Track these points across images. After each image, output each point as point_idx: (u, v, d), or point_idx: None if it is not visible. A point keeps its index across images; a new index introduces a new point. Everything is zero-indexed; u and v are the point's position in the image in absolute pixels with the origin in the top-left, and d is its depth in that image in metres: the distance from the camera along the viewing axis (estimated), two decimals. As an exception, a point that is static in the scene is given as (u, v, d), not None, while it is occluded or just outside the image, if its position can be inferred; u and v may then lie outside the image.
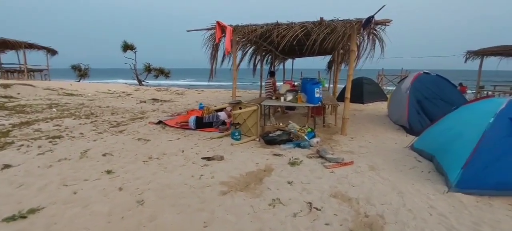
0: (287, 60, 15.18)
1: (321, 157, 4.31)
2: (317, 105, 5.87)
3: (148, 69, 26.31)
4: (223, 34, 5.51)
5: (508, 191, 2.88)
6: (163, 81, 29.54)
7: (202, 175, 3.67)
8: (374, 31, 5.19)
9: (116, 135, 5.90)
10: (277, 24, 5.32)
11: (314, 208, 2.79)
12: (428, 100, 5.88)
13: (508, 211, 2.71)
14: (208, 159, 4.30)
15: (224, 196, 3.07)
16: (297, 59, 14.86)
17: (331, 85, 16.37)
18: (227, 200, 2.99)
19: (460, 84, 18.08)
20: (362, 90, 11.99)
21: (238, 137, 5.66)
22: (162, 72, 27.90)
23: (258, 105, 5.63)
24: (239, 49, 8.52)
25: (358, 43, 6.34)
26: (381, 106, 10.84)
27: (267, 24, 5.41)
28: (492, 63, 13.97)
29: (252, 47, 9.32)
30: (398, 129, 6.46)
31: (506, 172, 2.89)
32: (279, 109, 8.86)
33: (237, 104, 6.17)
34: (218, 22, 5.50)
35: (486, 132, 3.06)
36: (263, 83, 10.23)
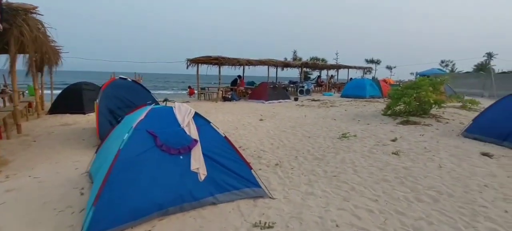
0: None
1: None
2: None
3: None
4: None
5: (144, 217, 2.54)
6: None
7: None
8: (13, 20, 3.57)
9: None
10: None
11: None
12: (122, 110, 5.31)
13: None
14: None
15: None
16: None
17: (47, 92, 12.66)
18: None
19: (189, 87, 21.06)
20: (82, 97, 9.92)
21: None
22: None
23: None
24: None
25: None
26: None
27: None
28: (204, 69, 17.34)
29: None
30: (96, 146, 5.39)
31: (141, 195, 2.55)
32: None
33: None
34: None
35: (121, 151, 2.58)
36: None
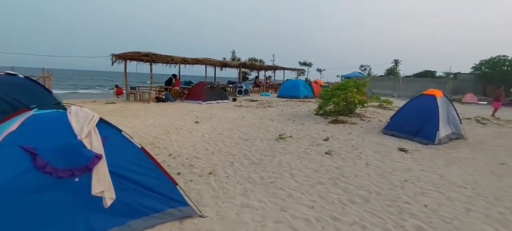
0: None
1: None
2: None
3: None
4: None
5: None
6: None
7: None
8: None
9: None
10: None
11: None
12: (7, 115, 4.06)
13: None
14: None
15: None
16: None
17: None
18: None
19: (117, 86, 18.72)
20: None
21: None
22: None
23: None
24: None
25: None
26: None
27: None
28: (134, 66, 15.57)
29: None
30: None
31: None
32: None
33: None
34: None
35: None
36: None
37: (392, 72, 48.36)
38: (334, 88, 10.04)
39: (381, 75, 46.48)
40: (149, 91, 14.08)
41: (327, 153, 5.11)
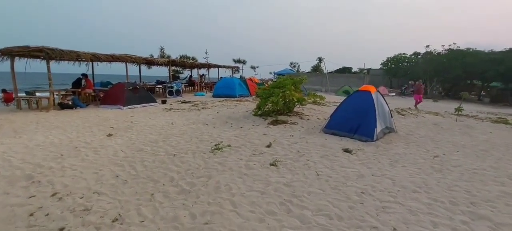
0: None
1: None
2: None
3: None
4: None
5: None
6: None
7: None
8: None
9: None
10: None
11: None
12: None
13: None
14: None
15: None
16: None
17: None
18: None
19: (4, 90, 14.50)
20: None
21: None
22: None
23: None
24: None
25: None
26: None
27: None
28: (23, 65, 12.21)
29: None
30: None
31: None
32: None
33: None
34: None
35: None
36: None
37: (317, 68, 52.35)
38: (272, 86, 9.53)
39: (309, 72, 49.79)
40: (48, 96, 11.15)
41: (273, 164, 4.38)
